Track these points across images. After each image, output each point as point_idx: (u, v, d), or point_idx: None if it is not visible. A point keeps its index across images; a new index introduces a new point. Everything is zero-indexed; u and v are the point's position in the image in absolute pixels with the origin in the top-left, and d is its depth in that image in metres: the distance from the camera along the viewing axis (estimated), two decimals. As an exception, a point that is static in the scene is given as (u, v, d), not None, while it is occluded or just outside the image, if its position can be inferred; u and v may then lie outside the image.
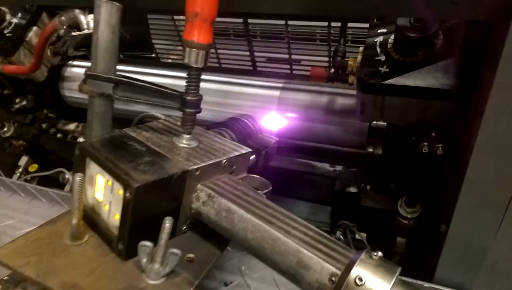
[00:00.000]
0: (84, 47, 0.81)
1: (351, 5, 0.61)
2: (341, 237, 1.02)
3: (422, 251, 0.80)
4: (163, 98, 0.59)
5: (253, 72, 1.49)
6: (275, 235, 0.50)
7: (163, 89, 0.59)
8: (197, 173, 0.55)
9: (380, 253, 0.47)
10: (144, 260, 0.48)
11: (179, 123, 0.69)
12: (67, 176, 1.35)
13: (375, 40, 0.81)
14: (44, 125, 1.38)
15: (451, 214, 0.63)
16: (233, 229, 0.53)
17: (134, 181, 0.47)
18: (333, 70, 1.20)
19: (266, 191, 0.65)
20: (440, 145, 0.73)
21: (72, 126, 1.42)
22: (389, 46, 0.78)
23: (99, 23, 0.54)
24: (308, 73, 1.39)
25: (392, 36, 0.79)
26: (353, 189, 1.09)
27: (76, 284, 0.45)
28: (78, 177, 0.49)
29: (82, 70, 1.30)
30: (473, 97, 0.62)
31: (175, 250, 0.48)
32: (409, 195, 0.88)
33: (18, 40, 1.10)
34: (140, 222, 0.50)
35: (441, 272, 0.69)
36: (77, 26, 0.77)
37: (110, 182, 0.52)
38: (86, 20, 0.74)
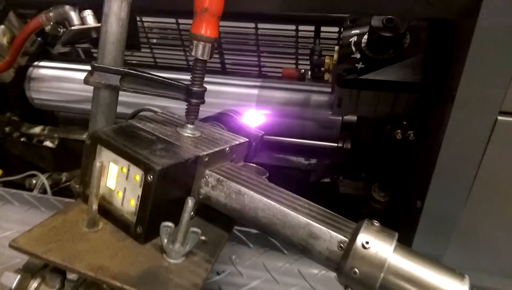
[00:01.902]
0: (73, 43, 0.80)
1: (330, 4, 0.67)
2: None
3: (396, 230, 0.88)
4: (169, 90, 0.62)
5: (223, 73, 1.52)
6: (285, 212, 0.54)
7: (169, 81, 0.61)
8: (206, 159, 0.58)
9: (378, 222, 0.53)
10: (165, 240, 0.50)
11: (176, 116, 0.72)
12: (34, 181, 1.30)
13: (350, 40, 0.89)
14: (7, 129, 1.32)
15: (425, 191, 0.72)
16: (243, 210, 0.57)
17: (156, 164, 0.50)
18: (303, 70, 1.28)
19: (264, 177, 0.69)
20: (411, 132, 0.82)
21: (37, 130, 1.36)
22: (363, 45, 0.87)
23: (108, 16, 0.56)
24: (274, 74, 1.46)
25: (365, 36, 0.87)
26: (327, 180, 1.16)
27: (102, 266, 0.47)
28: (98, 163, 0.50)
29: (50, 71, 1.29)
30: (442, 87, 0.71)
31: (195, 229, 0.50)
32: (381, 180, 0.97)
33: (-16, 39, 1.05)
34: (158, 206, 0.52)
35: (417, 244, 0.77)
36: (64, 22, 0.76)
37: (125, 169, 0.54)
38: (78, 16, 0.74)
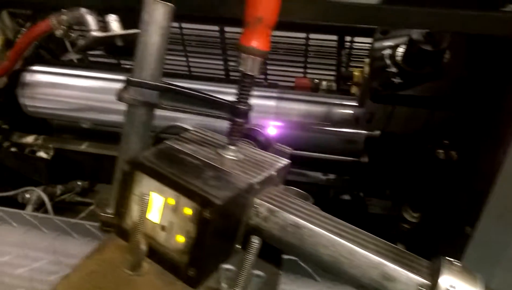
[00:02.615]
0: (91, 49, 0.72)
1: (388, 17, 0.62)
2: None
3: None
4: (212, 108, 0.55)
5: (227, 81, 1.46)
6: (352, 249, 0.48)
7: (212, 98, 0.55)
8: (257, 187, 0.52)
9: (458, 261, 0.48)
10: (225, 286, 0.43)
11: (209, 134, 0.64)
12: (28, 195, 1.19)
13: (383, 53, 0.84)
14: (-4, 138, 1.21)
15: (476, 216, 0.67)
16: (302, 245, 0.50)
17: (214, 198, 0.43)
18: (317, 80, 1.22)
19: (308, 202, 0.63)
20: (454, 151, 0.77)
21: (30, 139, 1.26)
22: (398, 58, 0.82)
23: (148, 24, 0.49)
24: (281, 82, 1.41)
25: (400, 49, 0.83)
26: (346, 197, 1.11)
27: (155, 319, 0.40)
28: (145, 197, 0.43)
29: (45, 77, 1.18)
30: (498, 107, 0.67)
31: (260, 273, 0.44)
32: (412, 200, 0.92)
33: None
34: (214, 243, 0.45)
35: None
36: (73, 27, 0.68)
37: (172, 201, 0.46)
38: (96, 21, 0.65)
